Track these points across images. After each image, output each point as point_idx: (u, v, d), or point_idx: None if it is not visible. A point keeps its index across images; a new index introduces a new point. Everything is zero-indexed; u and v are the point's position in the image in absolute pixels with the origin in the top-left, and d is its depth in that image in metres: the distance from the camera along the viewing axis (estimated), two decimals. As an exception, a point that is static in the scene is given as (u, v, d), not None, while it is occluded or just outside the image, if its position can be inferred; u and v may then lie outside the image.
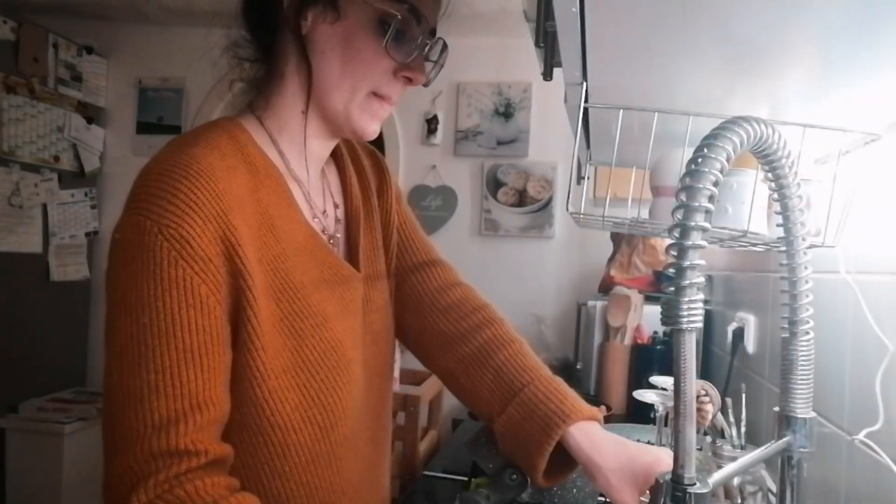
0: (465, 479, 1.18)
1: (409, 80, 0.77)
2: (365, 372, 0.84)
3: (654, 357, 1.89)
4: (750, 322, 1.46)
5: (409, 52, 0.75)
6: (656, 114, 0.77)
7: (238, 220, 0.67)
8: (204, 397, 0.64)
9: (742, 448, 0.94)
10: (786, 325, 0.65)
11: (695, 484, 0.48)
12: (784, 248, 0.64)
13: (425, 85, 0.80)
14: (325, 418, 0.75)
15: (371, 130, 0.79)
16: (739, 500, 0.90)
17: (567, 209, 0.83)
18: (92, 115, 3.05)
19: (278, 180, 0.76)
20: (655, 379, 0.99)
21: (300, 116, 0.78)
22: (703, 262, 0.49)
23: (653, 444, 1.23)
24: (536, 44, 0.95)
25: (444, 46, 0.82)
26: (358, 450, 0.84)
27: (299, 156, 0.80)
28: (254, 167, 0.73)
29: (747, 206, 0.78)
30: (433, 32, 0.80)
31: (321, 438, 0.76)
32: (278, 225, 0.73)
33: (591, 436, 0.80)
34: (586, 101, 0.81)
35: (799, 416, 0.64)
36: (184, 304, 0.63)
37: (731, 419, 0.97)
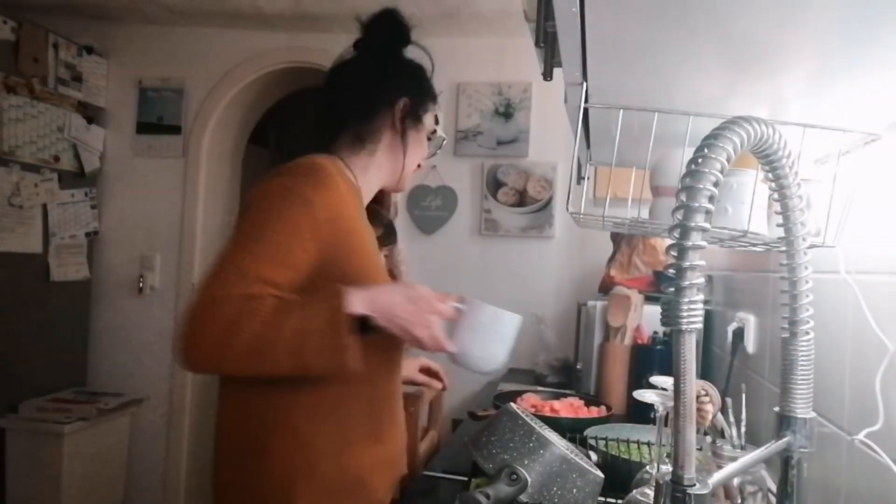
0: (465, 479, 1.18)
1: (419, 165, 1.29)
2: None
3: (654, 357, 1.89)
4: (750, 322, 1.46)
5: (431, 152, 1.31)
6: (656, 114, 0.77)
7: (342, 208, 1.06)
8: (273, 276, 0.97)
9: (742, 448, 0.94)
10: (786, 325, 0.65)
11: (695, 484, 0.48)
12: (784, 248, 0.64)
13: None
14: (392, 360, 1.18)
15: (406, 186, 1.30)
16: (739, 501, 0.90)
17: (567, 209, 0.83)
18: (92, 115, 3.05)
19: (360, 199, 1.17)
20: (655, 379, 0.99)
21: (374, 172, 1.22)
22: (702, 262, 0.49)
23: (653, 444, 1.23)
24: (536, 44, 0.95)
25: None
26: (399, 403, 1.22)
27: (366, 193, 1.22)
28: (350, 184, 1.15)
29: (747, 206, 0.78)
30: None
31: (391, 380, 1.18)
32: (361, 220, 1.15)
33: None
34: (586, 101, 0.81)
35: (799, 416, 0.64)
36: (289, 221, 0.99)
37: (731, 419, 0.97)
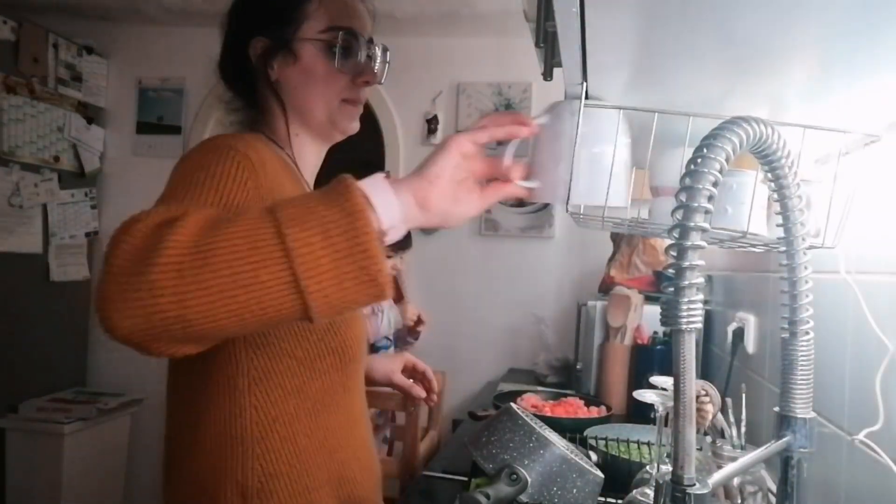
0: (465, 479, 1.18)
1: (366, 83, 0.96)
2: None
3: (654, 357, 1.89)
4: (750, 322, 1.46)
5: (357, 64, 0.95)
6: (656, 114, 0.77)
7: (270, 178, 0.83)
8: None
9: (742, 448, 0.94)
10: (786, 325, 0.65)
11: (695, 484, 0.48)
12: (784, 249, 0.64)
13: (379, 82, 1.00)
14: (343, 348, 0.88)
15: (353, 126, 0.99)
16: (739, 501, 0.90)
17: (567, 209, 0.83)
18: (92, 115, 3.05)
19: (294, 170, 0.95)
20: (655, 379, 0.99)
21: (292, 137, 0.97)
22: (702, 262, 0.49)
23: (653, 444, 1.23)
24: (536, 44, 0.95)
25: (384, 49, 1.00)
26: (361, 396, 0.97)
27: (301, 164, 0.99)
28: (279, 156, 0.92)
29: (747, 206, 0.78)
30: (371, 41, 0.98)
31: (339, 368, 0.88)
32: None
33: None
34: (586, 101, 0.81)
35: (799, 416, 0.64)
36: (228, 177, 0.78)
37: (731, 419, 0.97)
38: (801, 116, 0.79)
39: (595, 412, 1.73)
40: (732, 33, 0.61)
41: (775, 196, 0.63)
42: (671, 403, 0.79)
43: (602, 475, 0.98)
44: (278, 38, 0.92)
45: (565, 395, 1.88)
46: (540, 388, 2.06)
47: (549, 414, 1.67)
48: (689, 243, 0.48)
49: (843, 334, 0.93)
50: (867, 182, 0.87)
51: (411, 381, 1.35)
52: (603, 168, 0.74)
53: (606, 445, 1.30)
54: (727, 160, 0.50)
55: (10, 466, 2.63)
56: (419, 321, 2.27)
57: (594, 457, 1.23)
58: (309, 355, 0.85)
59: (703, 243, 0.49)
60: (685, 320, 0.48)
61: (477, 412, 1.74)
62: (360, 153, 2.03)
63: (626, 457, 1.25)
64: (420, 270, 2.87)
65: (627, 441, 1.34)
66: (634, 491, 0.87)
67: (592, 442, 1.34)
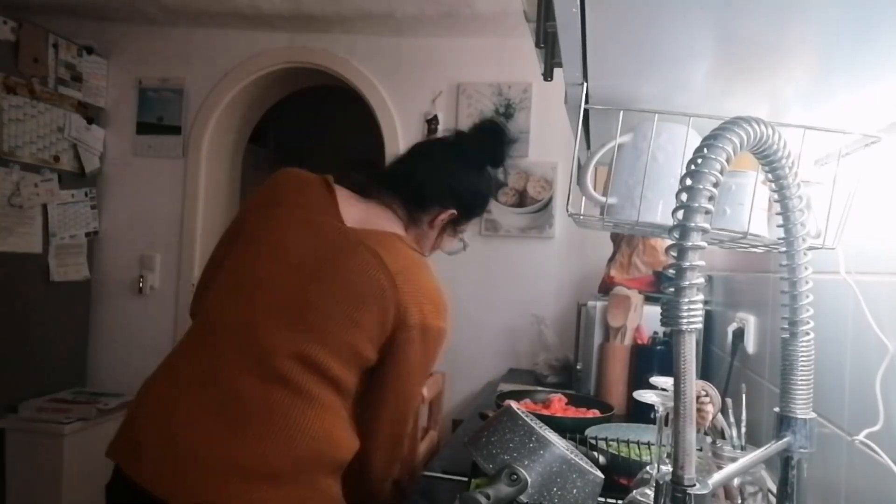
0: (465, 479, 1.18)
1: None
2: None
3: (654, 357, 1.89)
4: (750, 322, 1.46)
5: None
6: (656, 115, 0.77)
7: None
8: None
9: (742, 448, 0.94)
10: (786, 326, 0.65)
11: (695, 485, 0.48)
12: (784, 249, 0.64)
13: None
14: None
15: None
16: (739, 501, 0.90)
17: (567, 210, 0.83)
18: (92, 115, 3.05)
19: None
20: (655, 379, 0.99)
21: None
22: (702, 262, 0.49)
23: (653, 444, 1.23)
24: (537, 44, 0.95)
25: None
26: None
27: None
28: None
29: (746, 207, 0.78)
30: None
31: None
32: None
33: None
34: (586, 101, 0.81)
35: (799, 416, 0.64)
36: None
37: (732, 419, 0.97)
38: (802, 117, 0.79)
39: (584, 412, 1.70)
40: (733, 33, 0.61)
41: (775, 197, 0.63)
42: (671, 403, 0.79)
43: (602, 475, 0.98)
44: (461, 220, 1.34)
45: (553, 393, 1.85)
46: (539, 389, 2.06)
47: (544, 412, 1.67)
48: (689, 243, 0.48)
49: (843, 334, 0.93)
50: (867, 183, 0.87)
51: None
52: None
53: (607, 445, 1.30)
54: (728, 160, 0.50)
55: (10, 466, 2.63)
56: None
57: (602, 459, 1.22)
58: None
59: (704, 244, 0.49)
60: (685, 320, 0.48)
61: (487, 414, 1.73)
62: (361, 153, 2.03)
63: (636, 457, 1.24)
64: (420, 270, 2.87)
65: (628, 441, 1.34)
66: (635, 491, 0.87)
67: (594, 442, 1.34)
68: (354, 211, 1.20)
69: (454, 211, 1.28)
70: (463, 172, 1.30)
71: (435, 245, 1.34)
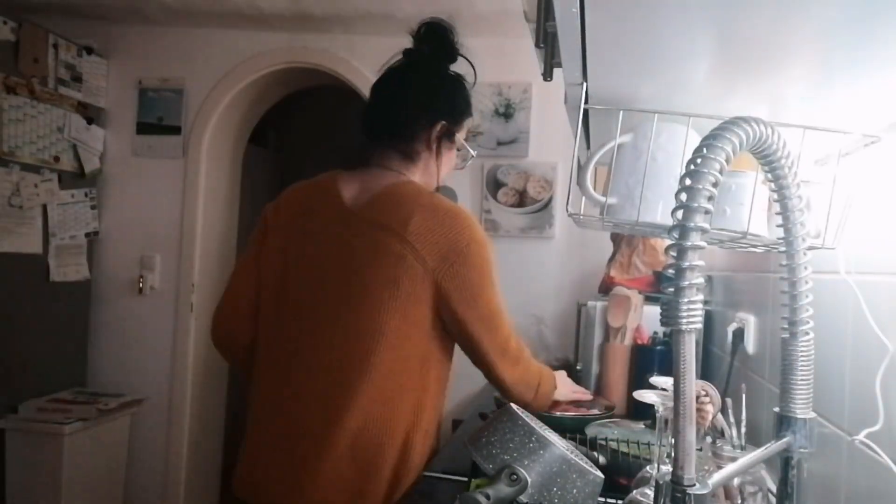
0: (465, 479, 1.18)
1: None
2: None
3: (654, 357, 1.89)
4: (750, 322, 1.46)
5: (457, 165, 1.41)
6: (656, 115, 0.77)
7: None
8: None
9: (742, 448, 0.94)
10: (786, 326, 0.65)
11: (695, 485, 0.48)
12: (784, 249, 0.64)
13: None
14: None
15: None
16: (739, 501, 0.90)
17: (567, 210, 0.83)
18: (92, 115, 3.05)
19: None
20: (655, 379, 0.99)
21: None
22: (702, 262, 0.49)
23: (653, 444, 1.23)
24: (536, 44, 0.96)
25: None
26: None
27: None
28: None
29: (745, 207, 0.78)
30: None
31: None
32: None
33: None
34: (586, 101, 0.81)
35: (799, 416, 0.64)
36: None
37: (731, 419, 0.97)
38: (801, 116, 0.79)
39: (584, 412, 1.71)
40: (732, 33, 0.61)
41: (775, 197, 0.63)
42: (671, 404, 0.79)
43: (602, 475, 0.98)
44: (453, 126, 1.29)
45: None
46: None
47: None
48: (689, 244, 0.48)
49: (843, 334, 0.93)
50: (867, 183, 0.87)
51: None
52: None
53: (607, 444, 1.30)
54: (727, 160, 0.50)
55: (10, 467, 2.63)
56: None
57: (602, 458, 1.22)
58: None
59: (703, 244, 0.49)
60: (685, 320, 0.48)
61: (488, 414, 1.73)
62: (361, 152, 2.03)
63: (641, 456, 1.24)
64: (420, 270, 2.87)
65: (627, 441, 1.34)
66: (635, 491, 0.87)
67: (599, 442, 1.34)
68: (356, 188, 1.23)
69: (443, 122, 1.28)
70: (428, 83, 1.28)
71: (442, 164, 1.32)
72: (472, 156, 1.41)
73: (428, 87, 1.28)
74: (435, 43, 1.28)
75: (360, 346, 1.14)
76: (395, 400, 1.17)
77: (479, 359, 1.23)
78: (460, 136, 1.33)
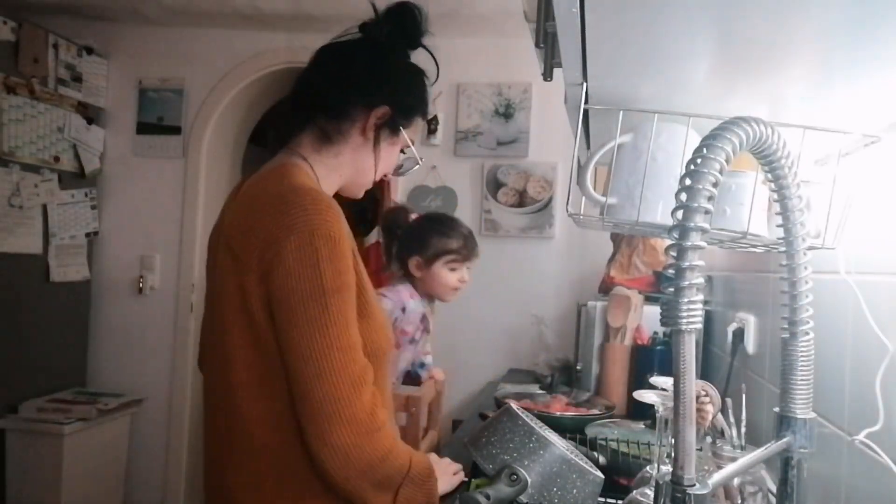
0: (465, 479, 1.18)
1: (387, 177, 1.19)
2: None
3: (654, 357, 1.89)
4: (750, 322, 1.46)
5: (398, 167, 1.19)
6: (656, 115, 0.77)
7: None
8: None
9: (742, 448, 0.94)
10: (786, 326, 0.65)
11: (694, 485, 0.48)
12: (784, 249, 0.64)
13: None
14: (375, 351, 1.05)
15: (360, 195, 1.18)
16: (739, 501, 0.90)
17: (567, 210, 0.83)
18: (92, 115, 3.05)
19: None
20: (655, 379, 0.99)
21: (335, 176, 1.11)
22: (702, 262, 0.49)
23: (653, 444, 1.23)
24: (536, 44, 0.96)
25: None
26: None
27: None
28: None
29: (745, 207, 0.78)
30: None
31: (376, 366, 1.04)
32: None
33: None
34: (586, 101, 0.81)
35: (799, 416, 0.64)
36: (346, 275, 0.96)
37: (731, 419, 0.97)
38: (801, 116, 0.79)
39: (584, 411, 1.72)
40: (733, 33, 0.61)
41: (775, 197, 0.63)
42: (671, 404, 0.79)
43: (602, 475, 0.98)
44: (399, 117, 1.11)
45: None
46: (538, 391, 2.06)
47: (544, 411, 1.67)
48: (689, 244, 0.48)
49: (843, 334, 0.93)
50: (867, 183, 0.87)
51: None
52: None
53: (606, 444, 1.30)
54: (727, 160, 0.50)
55: (10, 467, 2.63)
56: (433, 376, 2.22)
57: (602, 459, 1.22)
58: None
59: (703, 244, 0.49)
60: (685, 321, 0.48)
61: (487, 414, 1.73)
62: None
63: (644, 456, 1.24)
64: (420, 270, 2.86)
65: (627, 442, 1.34)
66: (635, 491, 0.87)
67: (596, 442, 1.34)
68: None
69: (386, 108, 1.08)
70: (377, 62, 1.10)
71: (381, 158, 1.12)
72: (419, 163, 1.20)
73: (376, 67, 1.10)
74: (396, 23, 1.10)
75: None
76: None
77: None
78: (408, 135, 1.14)
